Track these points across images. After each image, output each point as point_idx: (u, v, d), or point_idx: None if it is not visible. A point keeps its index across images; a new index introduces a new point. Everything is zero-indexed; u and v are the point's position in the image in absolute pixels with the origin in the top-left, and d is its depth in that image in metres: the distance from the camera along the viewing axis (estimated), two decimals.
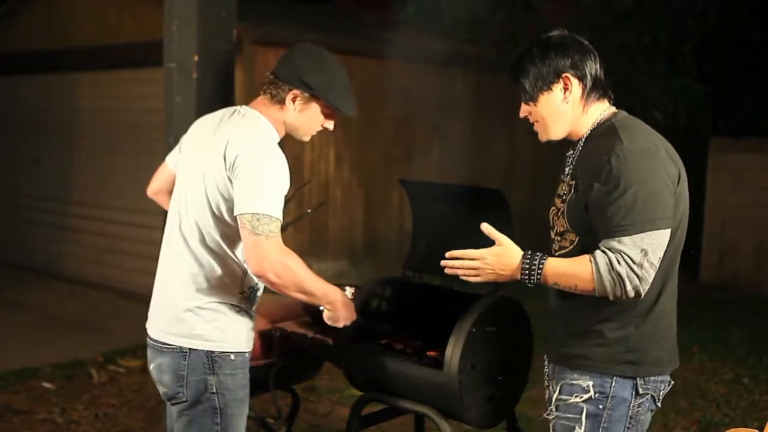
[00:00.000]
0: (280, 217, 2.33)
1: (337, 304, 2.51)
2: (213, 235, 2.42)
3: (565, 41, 2.21)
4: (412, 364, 2.86)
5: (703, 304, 7.94)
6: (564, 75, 2.17)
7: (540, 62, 2.18)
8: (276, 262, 2.28)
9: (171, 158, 2.70)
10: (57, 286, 8.56)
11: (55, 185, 9.28)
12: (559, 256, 2.20)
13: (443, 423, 2.79)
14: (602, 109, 2.22)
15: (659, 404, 2.23)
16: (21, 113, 9.72)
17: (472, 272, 2.16)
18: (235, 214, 2.33)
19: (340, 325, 2.58)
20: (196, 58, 3.46)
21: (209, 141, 2.47)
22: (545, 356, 2.39)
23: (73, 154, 9.10)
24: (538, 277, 2.10)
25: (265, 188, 2.32)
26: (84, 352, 5.96)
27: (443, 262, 2.21)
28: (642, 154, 2.04)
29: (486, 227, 2.17)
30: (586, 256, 2.05)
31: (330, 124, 2.57)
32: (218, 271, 2.43)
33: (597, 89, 2.21)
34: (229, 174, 2.35)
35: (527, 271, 2.11)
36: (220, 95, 3.46)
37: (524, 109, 2.26)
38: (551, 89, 2.19)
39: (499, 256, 2.14)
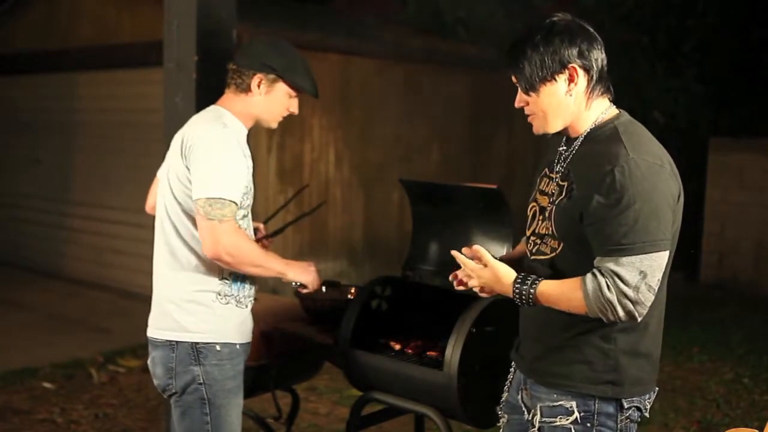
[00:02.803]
0: (235, 199, 2.44)
1: (289, 273, 2.62)
2: (186, 226, 2.52)
3: (572, 27, 2.02)
4: (412, 364, 2.86)
5: (703, 304, 7.94)
6: (570, 65, 2.00)
7: (544, 50, 1.99)
8: (229, 245, 2.41)
9: (161, 172, 2.79)
10: (57, 286, 8.56)
11: (55, 185, 9.28)
12: (535, 260, 2.12)
13: (443, 423, 2.79)
14: (604, 107, 2.07)
15: (647, 414, 2.14)
16: (21, 113, 9.72)
17: (466, 280, 2.12)
18: (192, 201, 2.45)
19: (309, 286, 2.68)
20: (196, 58, 3.46)
21: (174, 144, 2.61)
22: (512, 362, 2.31)
23: (73, 154, 9.10)
24: (530, 301, 2.02)
25: (216, 172, 2.43)
26: (84, 352, 5.97)
27: (454, 264, 2.13)
28: (648, 169, 1.91)
29: (455, 254, 2.11)
30: (578, 280, 1.95)
31: (294, 107, 2.67)
32: (194, 260, 2.52)
33: (602, 82, 2.05)
34: (185, 161, 2.48)
35: (518, 295, 2.03)
36: (220, 95, 3.45)
37: (521, 99, 2.08)
38: (555, 80, 2.01)
39: (487, 277, 2.07)
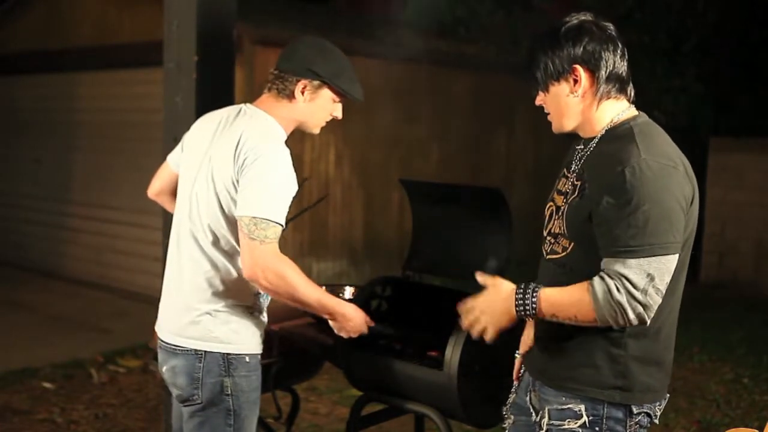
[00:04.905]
0: (281, 222, 2.31)
1: (336, 316, 2.49)
2: (226, 236, 2.40)
3: (583, 28, 2.02)
4: (412, 364, 2.86)
5: (703, 304, 7.93)
6: (574, 66, 2.01)
7: (550, 51, 2.01)
8: (268, 269, 2.27)
9: (172, 158, 2.67)
10: (57, 286, 8.56)
11: (55, 185, 9.28)
12: (549, 260, 2.10)
13: (443, 423, 2.79)
14: (620, 109, 2.06)
15: (656, 421, 2.12)
16: (21, 113, 9.72)
17: (473, 323, 2.07)
18: (236, 215, 2.32)
19: (345, 335, 2.56)
20: (196, 58, 3.45)
21: (216, 141, 2.45)
22: (523, 363, 2.30)
23: (73, 154, 9.10)
24: (533, 309, 1.97)
25: (268, 192, 2.30)
26: (84, 352, 5.96)
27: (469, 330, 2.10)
28: (660, 171, 1.89)
29: (479, 276, 2.08)
30: (584, 284, 1.91)
31: (339, 112, 2.55)
32: (234, 273, 2.41)
33: (612, 84, 2.03)
34: (237, 175, 2.34)
35: (521, 305, 1.98)
36: (220, 95, 3.46)
37: (538, 99, 2.11)
38: (560, 80, 2.03)
39: (486, 296, 2.05)
